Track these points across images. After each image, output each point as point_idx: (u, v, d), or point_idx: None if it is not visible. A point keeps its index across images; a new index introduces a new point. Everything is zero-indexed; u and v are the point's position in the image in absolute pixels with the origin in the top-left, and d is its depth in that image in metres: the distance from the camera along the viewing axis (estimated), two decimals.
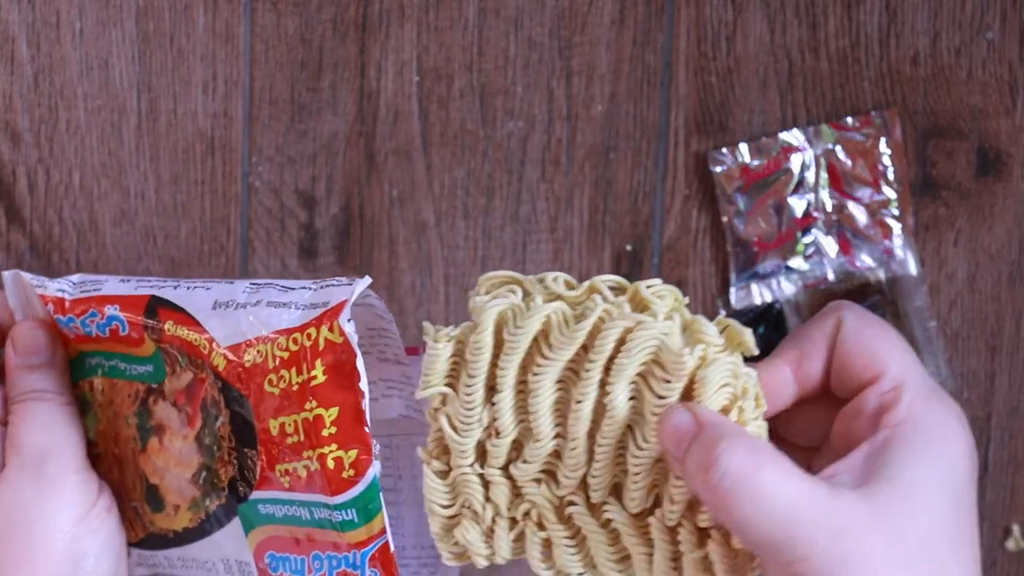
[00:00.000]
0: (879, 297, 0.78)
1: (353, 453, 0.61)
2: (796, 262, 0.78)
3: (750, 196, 0.78)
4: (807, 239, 0.78)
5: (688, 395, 0.52)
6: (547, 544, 0.55)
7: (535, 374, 0.53)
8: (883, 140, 0.78)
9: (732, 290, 0.78)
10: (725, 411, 0.52)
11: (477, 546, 0.56)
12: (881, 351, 0.53)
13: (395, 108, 0.77)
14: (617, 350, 0.52)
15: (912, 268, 0.78)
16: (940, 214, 0.78)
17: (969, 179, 0.78)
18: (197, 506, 0.66)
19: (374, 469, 0.61)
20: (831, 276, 0.78)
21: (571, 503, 0.55)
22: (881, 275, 0.78)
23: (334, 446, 0.61)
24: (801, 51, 0.77)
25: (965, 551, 0.51)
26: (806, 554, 0.48)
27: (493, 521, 0.56)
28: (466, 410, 0.54)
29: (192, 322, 0.63)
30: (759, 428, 0.52)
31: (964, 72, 0.78)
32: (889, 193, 0.78)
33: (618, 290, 0.54)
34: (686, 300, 0.54)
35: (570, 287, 0.54)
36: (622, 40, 0.77)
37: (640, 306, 0.53)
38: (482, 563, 0.56)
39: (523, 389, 0.54)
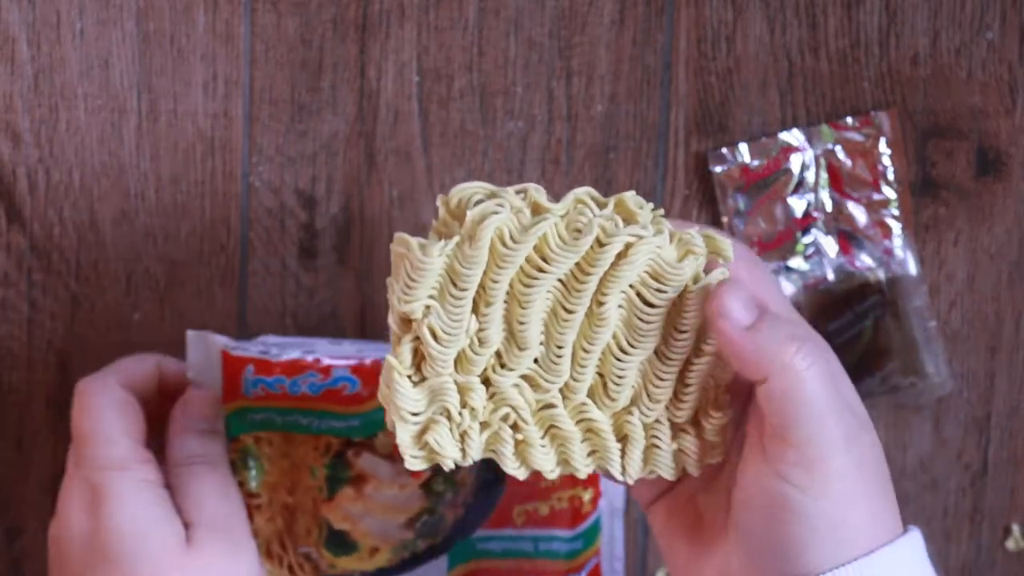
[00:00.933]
0: (879, 297, 0.78)
1: (590, 491, 0.74)
2: (796, 262, 0.78)
3: (750, 196, 0.78)
4: (807, 239, 0.78)
5: (677, 301, 0.55)
6: (518, 444, 0.57)
7: (529, 286, 0.54)
8: (883, 140, 0.78)
9: None
10: (709, 318, 0.55)
11: (449, 450, 0.57)
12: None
13: (395, 108, 0.77)
14: (613, 263, 0.55)
15: (912, 268, 0.78)
16: (940, 214, 0.79)
17: (969, 179, 0.78)
18: (404, 547, 0.73)
19: (604, 502, 0.75)
20: (831, 276, 0.78)
21: (551, 405, 0.57)
22: (881, 275, 0.78)
23: (580, 488, 0.74)
24: (801, 51, 0.77)
25: None
26: (830, 444, 0.54)
27: (468, 425, 0.57)
28: (453, 321, 0.55)
29: None
30: None
31: (964, 72, 0.78)
32: (889, 193, 0.78)
33: (597, 202, 0.57)
34: (661, 211, 0.57)
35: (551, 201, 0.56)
36: (622, 40, 0.77)
37: (625, 216, 0.56)
38: (450, 465, 0.57)
39: (507, 300, 0.55)
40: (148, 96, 0.77)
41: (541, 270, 0.54)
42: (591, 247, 0.54)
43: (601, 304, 0.55)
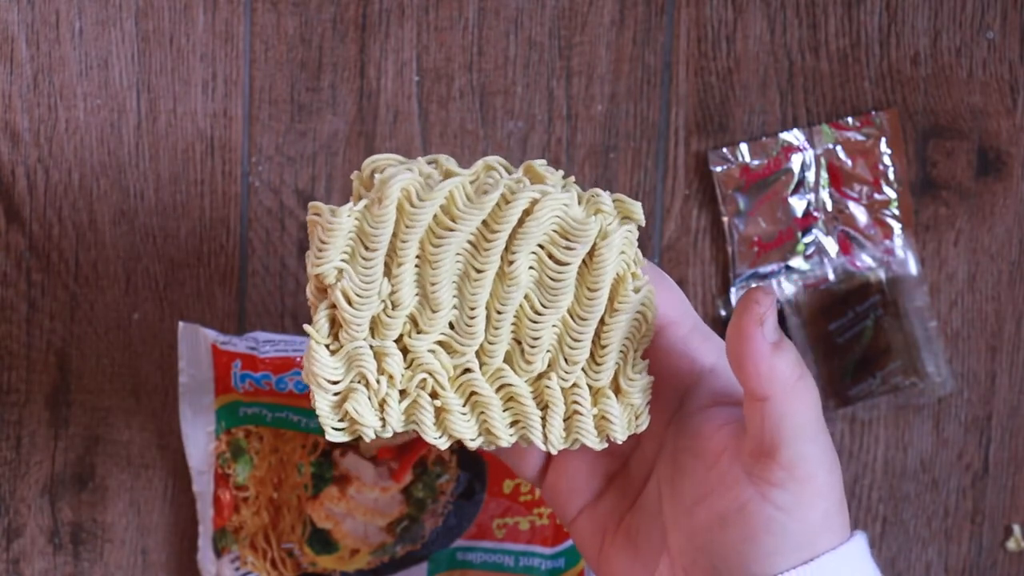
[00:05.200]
0: (879, 297, 0.78)
1: None
2: (796, 262, 0.78)
3: (750, 196, 0.78)
4: (807, 239, 0.78)
5: (588, 260, 0.56)
6: (439, 412, 0.57)
7: (437, 246, 0.54)
8: (883, 140, 0.78)
9: (732, 290, 0.78)
10: (621, 277, 0.55)
11: (368, 418, 0.56)
12: (678, 296, 0.58)
13: (395, 108, 0.77)
14: (520, 222, 0.55)
15: (912, 268, 0.78)
16: (940, 214, 0.79)
17: (969, 179, 0.78)
18: (383, 551, 0.74)
19: None
20: (831, 276, 0.78)
21: (467, 371, 0.56)
22: (881, 275, 0.78)
23: None
24: (801, 51, 0.77)
25: None
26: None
27: (386, 392, 0.57)
28: (365, 283, 0.55)
29: None
30: (649, 291, 0.56)
31: (964, 72, 0.78)
32: (889, 193, 0.78)
33: (507, 169, 0.57)
34: (572, 178, 0.57)
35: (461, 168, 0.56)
36: (622, 40, 0.77)
37: (535, 181, 0.56)
38: (371, 435, 0.56)
39: (419, 263, 0.55)
40: (147, 96, 0.77)
41: (449, 229, 0.54)
42: (497, 206, 0.55)
43: (511, 263, 0.55)
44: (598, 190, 0.56)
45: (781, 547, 0.54)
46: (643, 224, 0.56)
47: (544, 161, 0.57)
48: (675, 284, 0.59)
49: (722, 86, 0.78)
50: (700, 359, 0.58)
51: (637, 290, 0.56)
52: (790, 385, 0.54)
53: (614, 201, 0.56)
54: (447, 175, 0.56)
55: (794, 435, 0.54)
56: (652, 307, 0.56)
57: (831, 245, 0.78)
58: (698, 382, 0.58)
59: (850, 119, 0.78)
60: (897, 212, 0.78)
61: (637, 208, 0.56)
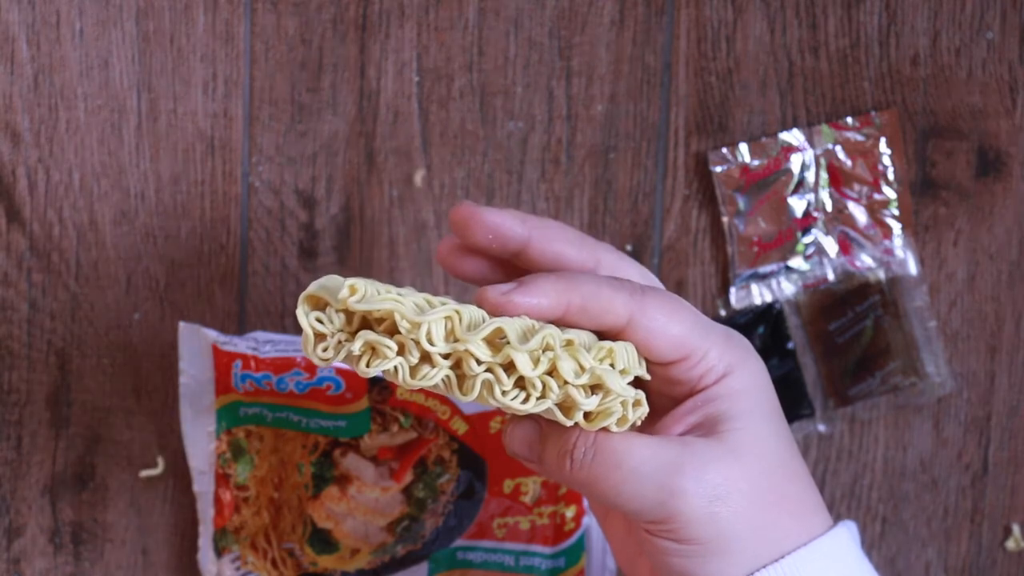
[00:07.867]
0: (879, 297, 0.78)
1: (573, 508, 0.75)
2: (796, 262, 0.78)
3: (750, 196, 0.78)
4: (807, 239, 0.78)
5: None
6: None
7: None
8: (883, 140, 0.78)
9: (732, 290, 0.78)
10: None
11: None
12: (679, 335, 0.56)
13: (395, 108, 0.77)
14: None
15: (912, 268, 0.78)
16: (940, 214, 0.79)
17: (969, 179, 0.78)
18: (384, 551, 0.75)
19: (588, 519, 0.75)
20: (831, 276, 0.78)
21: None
22: (881, 275, 0.78)
23: (562, 504, 0.75)
24: (801, 51, 0.77)
25: (797, 462, 0.58)
26: (680, 503, 0.54)
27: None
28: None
29: (430, 391, 0.70)
30: (641, 415, 0.56)
31: (964, 72, 0.78)
32: (889, 193, 0.78)
33: (493, 342, 0.54)
34: (564, 340, 0.54)
35: (450, 320, 0.53)
36: (622, 40, 0.77)
37: (512, 370, 0.54)
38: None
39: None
40: (148, 96, 0.77)
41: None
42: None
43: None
44: (574, 392, 0.53)
45: (732, 558, 0.55)
46: (642, 403, 0.55)
47: (531, 351, 0.53)
48: (684, 305, 0.57)
49: (722, 86, 0.78)
50: (702, 383, 0.58)
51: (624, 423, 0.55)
52: (575, 475, 0.55)
53: (597, 374, 0.54)
54: (424, 356, 0.53)
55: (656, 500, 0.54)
56: (641, 416, 0.56)
57: (831, 245, 0.78)
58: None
59: (850, 119, 0.78)
60: (897, 212, 0.78)
61: (622, 391, 0.54)
